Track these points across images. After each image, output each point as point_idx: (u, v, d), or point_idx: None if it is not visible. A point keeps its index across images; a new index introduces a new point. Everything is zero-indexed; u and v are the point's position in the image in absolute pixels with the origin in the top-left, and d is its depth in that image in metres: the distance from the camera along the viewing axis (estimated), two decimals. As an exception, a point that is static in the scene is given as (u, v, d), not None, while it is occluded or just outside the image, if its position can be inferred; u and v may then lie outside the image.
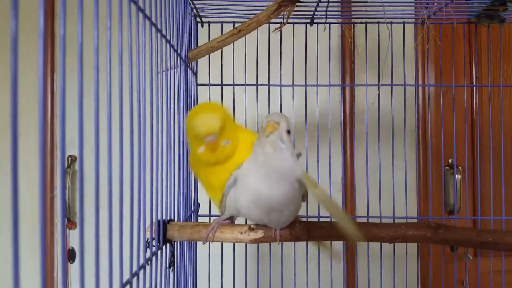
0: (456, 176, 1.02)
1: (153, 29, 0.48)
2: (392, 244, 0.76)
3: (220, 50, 0.81)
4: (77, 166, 1.07)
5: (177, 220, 0.64)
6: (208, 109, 0.56)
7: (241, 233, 0.53)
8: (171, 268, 0.53)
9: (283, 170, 0.47)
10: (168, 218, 0.55)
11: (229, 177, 0.51)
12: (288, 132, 0.48)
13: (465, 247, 0.54)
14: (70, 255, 1.12)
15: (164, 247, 0.52)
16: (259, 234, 0.53)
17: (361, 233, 0.48)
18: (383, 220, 0.83)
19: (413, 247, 0.94)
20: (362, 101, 0.98)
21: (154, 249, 0.49)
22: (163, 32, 0.53)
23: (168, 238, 0.53)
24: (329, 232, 0.53)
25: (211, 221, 0.55)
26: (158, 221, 0.53)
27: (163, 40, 0.53)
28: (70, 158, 1.11)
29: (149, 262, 0.47)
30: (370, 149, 0.87)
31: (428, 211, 1.03)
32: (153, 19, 0.48)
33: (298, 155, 0.82)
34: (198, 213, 0.82)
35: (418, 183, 0.93)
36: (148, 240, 0.52)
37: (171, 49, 0.58)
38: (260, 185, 0.47)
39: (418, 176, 1.05)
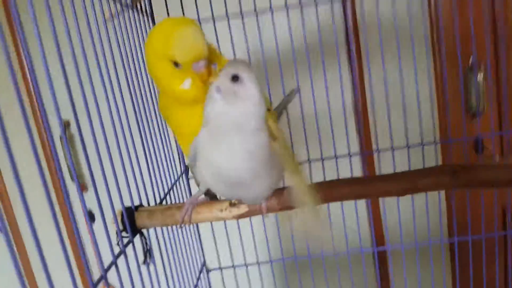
0: (477, 75, 0.90)
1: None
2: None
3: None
4: (72, 130, 1.01)
5: (158, 195, 0.57)
6: (188, 23, 0.38)
7: (221, 210, 0.45)
8: (146, 262, 0.47)
9: (227, 127, 0.36)
10: (137, 203, 0.48)
11: (190, 147, 0.41)
12: (235, 77, 0.36)
13: (492, 188, 0.45)
14: (90, 217, 1.11)
15: (136, 239, 0.46)
16: (243, 209, 0.45)
17: (318, 201, 0.40)
18: (396, 152, 0.74)
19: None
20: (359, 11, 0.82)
21: (121, 245, 0.42)
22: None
23: (139, 227, 0.46)
24: (326, 194, 0.45)
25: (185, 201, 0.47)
26: (125, 210, 0.46)
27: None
28: (65, 124, 1.03)
29: (120, 258, 0.41)
30: (376, 64, 0.74)
31: (447, 123, 0.92)
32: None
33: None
34: (190, 176, 0.75)
35: (434, 92, 0.81)
36: (117, 233, 0.45)
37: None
38: (213, 154, 0.38)
39: (436, 85, 0.92)
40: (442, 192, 0.91)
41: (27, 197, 0.26)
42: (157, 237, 0.53)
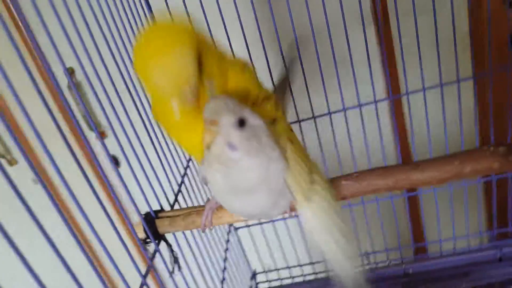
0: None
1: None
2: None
3: None
4: (78, 77, 0.97)
5: (174, 182, 0.55)
6: (168, 44, 0.31)
7: (243, 213, 0.42)
8: (178, 266, 0.46)
9: (251, 185, 0.33)
10: (156, 208, 0.46)
11: (199, 170, 0.37)
12: (241, 122, 0.31)
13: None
14: (115, 161, 1.11)
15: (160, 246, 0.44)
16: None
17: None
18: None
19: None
20: None
21: (148, 260, 0.41)
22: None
23: (162, 234, 0.45)
24: (355, 189, 0.40)
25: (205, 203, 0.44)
26: (144, 218, 0.44)
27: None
28: (69, 71, 0.98)
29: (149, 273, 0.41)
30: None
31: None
32: None
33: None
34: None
35: None
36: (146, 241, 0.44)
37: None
38: (235, 203, 0.35)
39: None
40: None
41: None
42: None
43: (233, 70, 0.37)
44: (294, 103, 0.67)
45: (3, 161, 1.07)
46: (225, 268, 0.67)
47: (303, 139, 0.69)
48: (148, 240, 0.44)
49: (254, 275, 0.85)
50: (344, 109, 0.69)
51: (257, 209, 0.35)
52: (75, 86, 1.04)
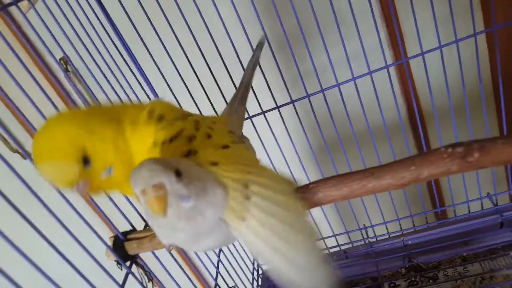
0: None
1: None
2: None
3: None
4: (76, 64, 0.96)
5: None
6: (53, 150, 0.33)
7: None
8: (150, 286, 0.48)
9: (212, 222, 0.32)
10: (126, 229, 0.47)
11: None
12: (178, 173, 0.29)
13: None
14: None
15: (132, 268, 0.46)
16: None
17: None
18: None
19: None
20: None
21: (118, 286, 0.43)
22: None
23: (132, 254, 0.46)
24: (317, 199, 0.39)
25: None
26: (114, 241, 0.45)
27: None
28: (62, 61, 0.95)
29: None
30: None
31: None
32: None
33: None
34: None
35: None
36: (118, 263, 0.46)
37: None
38: (194, 247, 0.36)
39: None
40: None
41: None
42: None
43: (138, 130, 0.36)
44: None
45: (17, 156, 1.11)
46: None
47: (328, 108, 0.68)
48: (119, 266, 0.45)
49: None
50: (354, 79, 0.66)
51: (219, 241, 0.35)
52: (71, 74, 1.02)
